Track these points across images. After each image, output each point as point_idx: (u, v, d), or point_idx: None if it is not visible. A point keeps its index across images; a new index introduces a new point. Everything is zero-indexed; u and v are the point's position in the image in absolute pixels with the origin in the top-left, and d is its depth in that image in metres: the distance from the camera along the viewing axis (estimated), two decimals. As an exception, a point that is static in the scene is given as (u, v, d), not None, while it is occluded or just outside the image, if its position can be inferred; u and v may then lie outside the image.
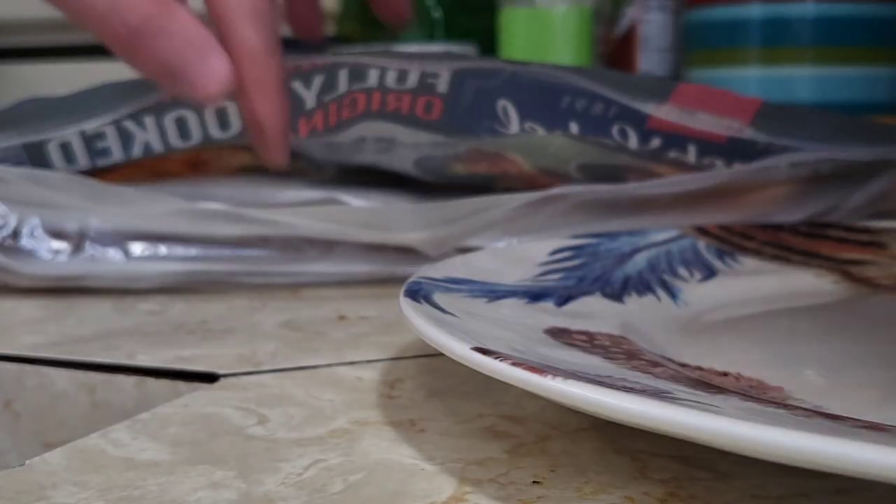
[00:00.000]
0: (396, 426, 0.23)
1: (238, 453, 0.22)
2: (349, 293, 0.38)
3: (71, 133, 0.41)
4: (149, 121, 0.42)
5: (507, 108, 0.40)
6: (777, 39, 0.55)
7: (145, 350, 0.30)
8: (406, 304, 0.24)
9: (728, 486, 0.19)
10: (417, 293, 0.25)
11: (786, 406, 0.19)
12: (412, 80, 0.41)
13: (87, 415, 0.29)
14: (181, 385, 0.28)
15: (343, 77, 0.41)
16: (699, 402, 0.17)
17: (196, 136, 0.42)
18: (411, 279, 0.27)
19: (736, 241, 0.35)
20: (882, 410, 0.21)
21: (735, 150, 0.39)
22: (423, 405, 0.24)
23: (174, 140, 0.42)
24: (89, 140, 0.42)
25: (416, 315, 0.23)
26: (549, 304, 0.28)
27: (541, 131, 0.39)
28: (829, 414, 0.19)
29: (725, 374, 0.24)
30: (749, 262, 0.34)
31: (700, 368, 0.24)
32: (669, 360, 0.24)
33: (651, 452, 0.21)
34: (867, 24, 0.54)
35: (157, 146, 0.42)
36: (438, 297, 0.25)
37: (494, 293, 0.28)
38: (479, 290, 0.27)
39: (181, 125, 0.42)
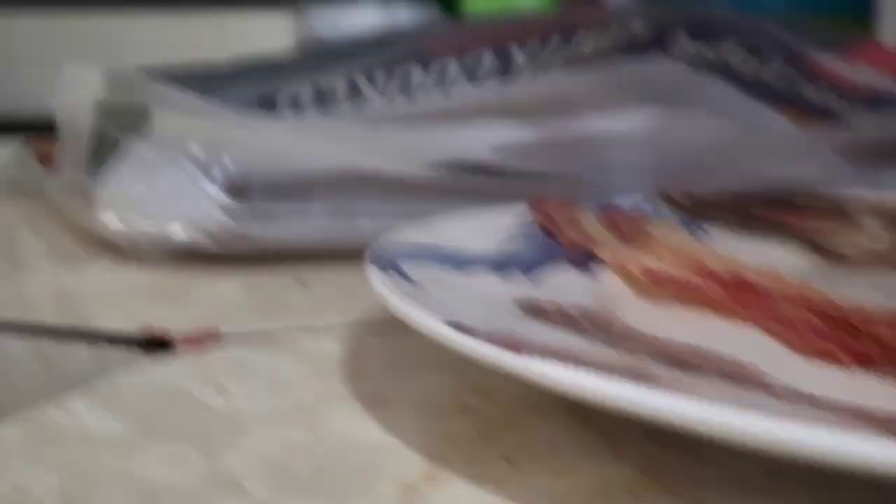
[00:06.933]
0: (362, 400, 0.22)
1: (198, 427, 0.21)
2: (310, 260, 0.37)
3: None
4: None
5: None
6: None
7: (100, 314, 0.29)
8: (375, 276, 0.23)
9: (704, 464, 0.19)
10: (384, 259, 0.24)
11: (764, 386, 0.19)
12: None
13: (41, 382, 0.28)
14: (137, 351, 0.27)
15: None
16: (677, 381, 0.17)
17: None
18: (376, 245, 0.26)
19: (700, 210, 0.35)
20: (850, 386, 0.21)
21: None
22: (391, 379, 0.24)
23: None
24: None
25: (386, 289, 0.22)
26: (516, 272, 0.27)
27: None
28: (810, 396, 0.19)
29: (697, 349, 0.23)
30: (714, 232, 0.34)
31: (671, 341, 0.24)
32: (639, 332, 0.24)
33: (625, 430, 0.20)
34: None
35: None
36: (405, 265, 0.25)
37: (462, 260, 0.27)
38: (446, 256, 0.27)
39: None
